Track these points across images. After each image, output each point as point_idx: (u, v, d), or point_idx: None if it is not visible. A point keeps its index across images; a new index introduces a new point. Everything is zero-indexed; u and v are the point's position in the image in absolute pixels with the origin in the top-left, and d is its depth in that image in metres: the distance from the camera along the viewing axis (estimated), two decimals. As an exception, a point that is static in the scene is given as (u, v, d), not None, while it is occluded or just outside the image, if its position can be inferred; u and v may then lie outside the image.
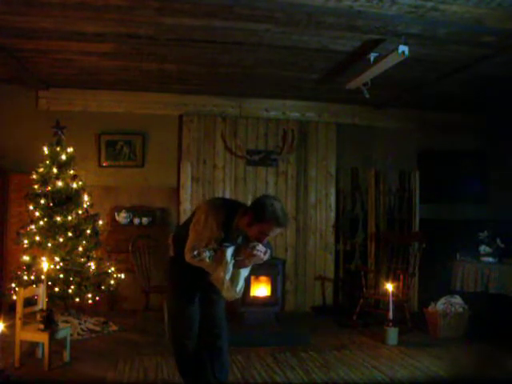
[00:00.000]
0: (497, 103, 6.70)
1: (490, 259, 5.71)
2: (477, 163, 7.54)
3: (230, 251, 2.97)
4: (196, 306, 3.27)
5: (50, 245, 5.14)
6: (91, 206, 5.59)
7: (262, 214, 2.90)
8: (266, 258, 2.98)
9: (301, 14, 3.87)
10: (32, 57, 5.15)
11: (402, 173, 7.13)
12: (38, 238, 5.18)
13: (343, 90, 5.67)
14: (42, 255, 5.00)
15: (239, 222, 2.99)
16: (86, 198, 5.53)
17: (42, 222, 5.21)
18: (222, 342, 3.32)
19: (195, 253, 2.97)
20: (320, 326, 5.92)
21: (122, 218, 6.36)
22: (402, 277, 5.87)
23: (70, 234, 5.22)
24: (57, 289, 5.03)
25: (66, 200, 5.30)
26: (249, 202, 6.59)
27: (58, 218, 5.21)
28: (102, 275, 5.35)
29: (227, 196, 6.65)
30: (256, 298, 5.57)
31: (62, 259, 5.13)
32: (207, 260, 2.96)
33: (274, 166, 6.78)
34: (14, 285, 5.02)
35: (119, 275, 5.53)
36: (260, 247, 2.93)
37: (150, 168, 6.67)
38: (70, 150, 5.53)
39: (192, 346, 3.25)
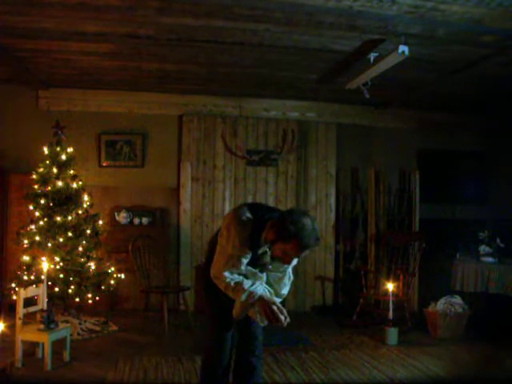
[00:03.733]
0: (496, 103, 6.70)
1: (490, 259, 5.71)
2: (477, 163, 7.54)
3: (244, 295, 2.56)
4: (229, 322, 2.87)
5: (50, 245, 5.13)
6: (91, 206, 5.59)
7: (284, 231, 2.48)
8: (283, 324, 2.56)
9: (301, 14, 3.87)
10: (32, 57, 5.15)
11: (402, 173, 7.14)
12: (37, 238, 5.18)
13: (343, 90, 5.67)
14: (42, 255, 5.00)
15: (267, 236, 2.58)
16: (86, 198, 5.53)
17: (42, 222, 5.22)
18: (256, 360, 2.93)
19: (215, 273, 2.66)
20: (320, 326, 5.92)
21: (122, 217, 6.36)
22: (401, 277, 5.87)
23: (70, 234, 5.22)
24: (57, 289, 5.03)
25: (66, 200, 5.30)
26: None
27: (58, 218, 5.21)
28: (102, 275, 5.34)
29: (227, 196, 6.66)
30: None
31: (62, 259, 5.13)
32: (222, 287, 2.63)
33: (273, 166, 6.79)
34: (14, 285, 5.02)
35: (119, 275, 5.53)
36: (282, 315, 2.54)
37: (149, 168, 6.67)
38: (70, 149, 5.53)
39: (222, 359, 2.90)
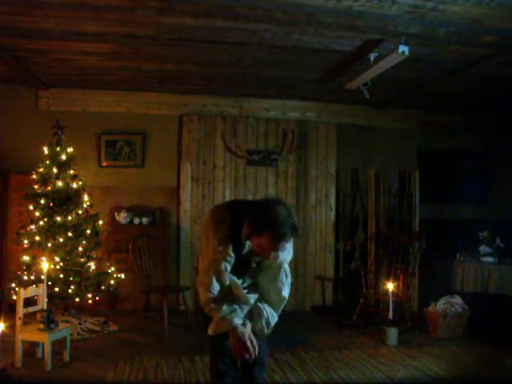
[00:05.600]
0: (496, 103, 6.70)
1: (490, 259, 5.71)
2: (477, 163, 7.55)
3: (219, 319, 2.40)
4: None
5: (50, 245, 5.13)
6: (91, 206, 5.59)
7: (255, 223, 2.28)
8: (249, 358, 2.38)
9: (301, 14, 3.87)
10: (32, 57, 5.15)
11: (402, 173, 7.14)
12: (37, 238, 5.18)
13: (343, 90, 5.68)
14: (42, 255, 5.00)
15: (245, 232, 2.36)
16: (86, 197, 5.53)
17: (42, 222, 5.22)
18: (258, 369, 2.70)
19: (200, 280, 2.47)
20: (320, 325, 5.92)
21: (122, 217, 6.36)
22: (401, 277, 5.87)
23: (70, 234, 5.22)
24: (57, 289, 5.03)
25: (66, 200, 5.30)
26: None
27: (58, 218, 5.21)
28: (101, 275, 5.35)
29: (227, 196, 6.65)
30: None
31: (62, 259, 5.13)
32: (202, 301, 2.44)
33: (273, 166, 6.79)
34: (14, 285, 5.02)
35: (119, 275, 5.53)
36: (248, 354, 2.35)
37: (149, 168, 6.67)
38: (70, 149, 5.53)
39: (228, 369, 2.68)
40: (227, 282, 2.44)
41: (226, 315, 2.38)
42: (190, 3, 3.73)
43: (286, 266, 2.57)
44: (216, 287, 2.40)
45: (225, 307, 2.39)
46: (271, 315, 2.55)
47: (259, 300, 2.56)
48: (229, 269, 2.43)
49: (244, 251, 2.47)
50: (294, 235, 2.32)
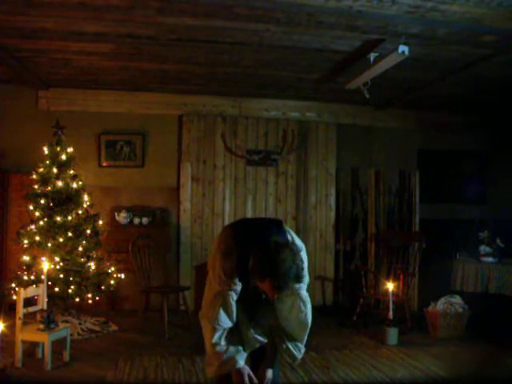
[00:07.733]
0: (497, 103, 6.70)
1: (490, 259, 5.71)
2: (477, 163, 7.56)
3: (223, 362, 2.34)
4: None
5: (50, 245, 5.14)
6: (91, 206, 5.60)
7: (257, 270, 2.15)
8: None
9: (301, 14, 3.87)
10: (32, 57, 5.15)
11: (402, 173, 7.14)
12: (37, 238, 5.18)
13: (343, 90, 5.67)
14: (42, 255, 5.00)
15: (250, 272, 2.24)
16: (85, 197, 5.53)
17: (42, 222, 5.22)
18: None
19: (204, 312, 2.39)
20: (320, 326, 5.90)
21: (122, 217, 6.36)
22: (401, 277, 5.87)
23: (70, 234, 5.23)
24: (57, 289, 5.03)
25: (66, 200, 5.30)
26: (249, 204, 6.72)
27: (58, 218, 5.21)
28: (102, 275, 5.35)
29: (227, 196, 6.65)
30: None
31: (62, 259, 5.14)
32: (206, 339, 2.37)
33: (273, 166, 6.79)
34: (14, 285, 5.02)
35: (119, 275, 5.54)
36: None
37: (150, 168, 6.67)
38: (70, 149, 5.54)
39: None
40: (234, 314, 2.36)
41: (232, 356, 2.32)
42: (189, 3, 3.73)
43: (304, 293, 2.42)
44: (224, 320, 2.33)
45: (231, 348, 2.34)
46: (293, 347, 2.46)
47: (279, 336, 2.47)
48: (235, 298, 2.35)
49: (252, 282, 2.32)
50: (298, 282, 2.23)
